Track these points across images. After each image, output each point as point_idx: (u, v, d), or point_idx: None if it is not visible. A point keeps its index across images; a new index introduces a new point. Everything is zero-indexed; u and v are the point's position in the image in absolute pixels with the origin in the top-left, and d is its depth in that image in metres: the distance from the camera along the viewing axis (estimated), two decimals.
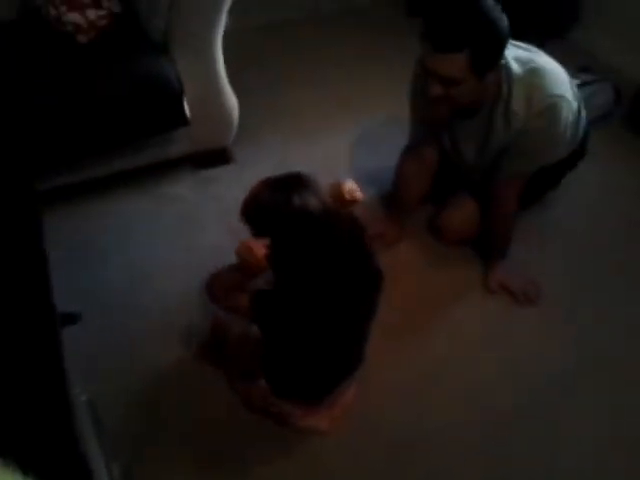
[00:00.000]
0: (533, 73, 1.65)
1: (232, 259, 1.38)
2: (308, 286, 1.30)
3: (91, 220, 2.08)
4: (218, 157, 2.27)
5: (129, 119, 1.94)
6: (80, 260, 1.95)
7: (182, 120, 2.00)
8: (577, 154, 1.96)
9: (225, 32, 2.03)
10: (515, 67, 1.64)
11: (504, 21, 1.54)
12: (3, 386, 1.06)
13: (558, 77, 1.70)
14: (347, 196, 1.40)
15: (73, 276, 1.88)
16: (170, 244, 2.02)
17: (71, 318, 1.70)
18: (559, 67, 1.74)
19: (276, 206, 1.26)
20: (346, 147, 2.39)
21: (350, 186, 1.41)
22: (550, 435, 1.61)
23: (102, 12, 1.97)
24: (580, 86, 2.47)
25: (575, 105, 1.76)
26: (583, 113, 1.87)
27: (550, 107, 1.65)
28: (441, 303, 1.92)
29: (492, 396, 1.69)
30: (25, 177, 1.51)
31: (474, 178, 1.96)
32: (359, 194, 1.42)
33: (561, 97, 1.67)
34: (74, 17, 1.93)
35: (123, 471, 1.24)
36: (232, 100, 2.16)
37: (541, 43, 2.38)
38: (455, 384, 1.71)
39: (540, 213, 2.14)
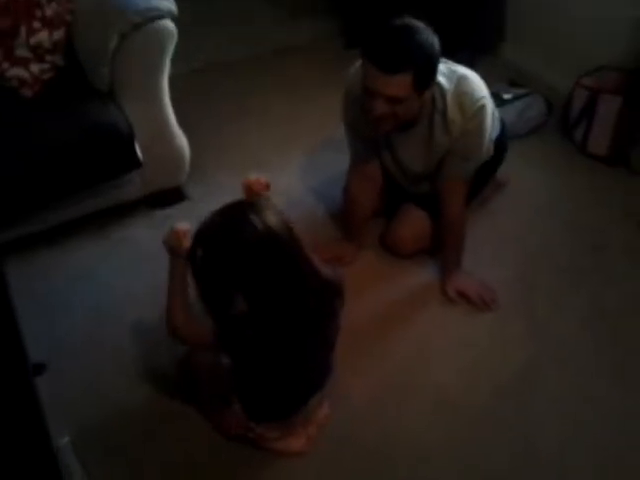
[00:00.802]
0: (459, 82, 1.81)
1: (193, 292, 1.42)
2: (275, 306, 1.34)
3: (51, 268, 2.08)
4: (172, 196, 2.31)
5: (82, 166, 1.97)
6: (42, 308, 1.94)
7: (134, 163, 2.04)
8: (501, 149, 2.10)
9: (169, 76, 2.10)
10: (443, 80, 1.80)
11: (437, 42, 1.70)
12: None
13: (478, 81, 1.87)
14: (256, 186, 1.46)
15: (36, 325, 1.87)
16: (132, 284, 2.04)
17: (37, 368, 1.69)
18: (473, 72, 1.89)
19: (238, 230, 1.29)
20: (294, 174, 2.47)
21: (255, 177, 1.48)
22: (521, 426, 1.68)
23: (46, 66, 2.01)
24: (514, 99, 2.63)
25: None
26: (496, 112, 2.02)
27: (479, 109, 1.82)
28: (402, 313, 1.98)
29: (460, 397, 1.74)
30: None
31: (422, 189, 2.06)
32: (264, 179, 1.48)
33: (485, 98, 1.84)
34: (18, 72, 1.96)
35: None
36: (182, 140, 2.21)
37: (471, 60, 2.53)
38: (423, 389, 1.76)
39: (486, 221, 2.24)
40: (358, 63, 1.83)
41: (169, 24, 1.98)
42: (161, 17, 1.96)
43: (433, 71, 1.72)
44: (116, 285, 2.04)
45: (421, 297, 2.03)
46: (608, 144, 2.48)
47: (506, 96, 2.64)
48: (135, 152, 2.03)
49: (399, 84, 1.64)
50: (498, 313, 1.97)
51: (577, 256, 2.16)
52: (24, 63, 1.97)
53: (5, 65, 1.95)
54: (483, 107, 1.83)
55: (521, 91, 2.70)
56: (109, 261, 2.12)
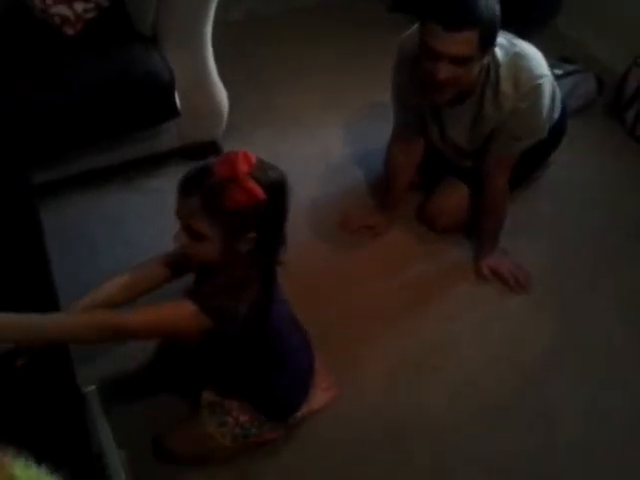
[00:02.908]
0: (517, 56, 1.71)
1: None
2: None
3: (81, 214, 2.07)
4: (207, 150, 2.27)
5: (119, 110, 1.93)
6: (71, 252, 1.94)
7: (173, 112, 1.99)
8: (558, 132, 2.01)
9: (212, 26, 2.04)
10: (498, 52, 1.71)
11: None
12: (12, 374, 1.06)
13: (539, 59, 1.76)
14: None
15: (63, 268, 1.87)
16: (158, 237, 2.01)
17: None
18: (536, 50, 1.79)
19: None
20: (335, 137, 2.40)
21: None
22: (544, 408, 1.67)
23: (90, 5, 1.95)
24: (563, 76, 2.53)
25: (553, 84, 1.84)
26: (558, 92, 1.93)
27: (536, 87, 1.71)
28: (431, 290, 1.95)
29: (484, 377, 1.72)
30: (21, 172, 1.51)
31: (465, 165, 1.99)
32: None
33: (545, 77, 1.74)
34: (61, 9, 1.91)
35: (128, 459, 1.24)
36: (222, 92, 2.15)
37: (526, 32, 2.43)
38: (445, 369, 1.74)
39: (525, 201, 2.18)
40: (413, 28, 1.74)
41: None
42: None
43: (496, 28, 1.60)
44: (143, 236, 2.02)
45: (452, 276, 1.99)
46: None
47: (557, 72, 2.54)
48: (174, 101, 1.98)
49: (465, 41, 1.54)
50: (530, 296, 1.93)
51: (614, 242, 2.10)
52: (68, 1, 1.92)
53: (49, 1, 1.90)
54: (539, 86, 1.72)
55: (572, 67, 2.60)
56: (139, 211, 2.10)
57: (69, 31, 1.93)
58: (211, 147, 2.27)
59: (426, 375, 1.72)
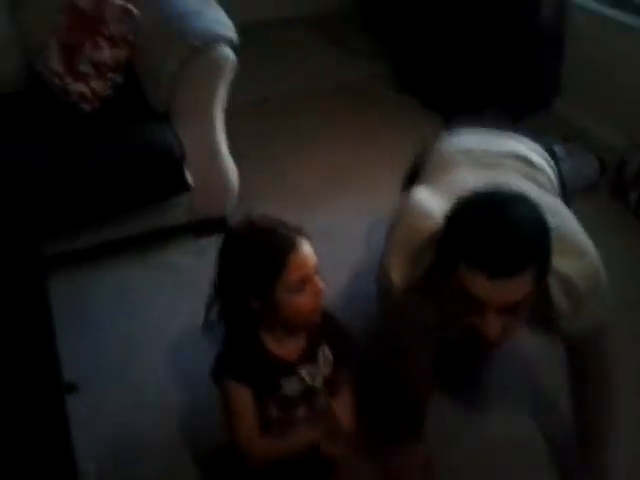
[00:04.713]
0: (557, 251, 1.16)
1: None
2: None
3: (88, 288, 2.05)
4: (216, 225, 2.27)
5: (131, 184, 1.95)
6: (75, 329, 1.89)
7: (183, 186, 2.02)
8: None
9: (226, 104, 2.09)
10: None
11: (540, 208, 1.16)
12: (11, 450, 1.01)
13: (574, 231, 1.32)
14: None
15: (68, 345, 1.82)
16: (166, 312, 1.99)
17: (70, 388, 1.65)
18: (567, 215, 1.36)
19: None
20: (343, 215, 2.41)
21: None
22: None
23: (106, 83, 2.02)
24: (565, 156, 2.58)
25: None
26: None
27: (593, 276, 1.26)
28: None
29: None
30: (30, 244, 1.50)
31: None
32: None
33: (591, 257, 1.28)
34: (79, 87, 1.97)
35: None
36: (232, 168, 2.18)
37: (526, 114, 2.48)
38: None
39: None
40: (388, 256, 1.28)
41: (228, 51, 2.00)
42: (220, 44, 1.98)
43: (550, 251, 1.14)
44: (149, 312, 1.98)
45: None
46: None
47: (558, 152, 2.59)
48: (184, 175, 2.01)
49: (518, 287, 1.10)
50: None
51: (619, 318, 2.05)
52: (86, 79, 1.98)
53: (68, 79, 1.96)
54: (595, 272, 1.26)
55: (574, 147, 2.65)
56: (146, 286, 2.08)
57: (86, 107, 1.98)
58: (220, 223, 2.27)
59: None
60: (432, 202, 1.27)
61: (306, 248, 1.23)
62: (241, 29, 2.05)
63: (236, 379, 1.25)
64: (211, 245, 2.22)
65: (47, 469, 1.05)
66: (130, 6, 2.03)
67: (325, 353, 1.31)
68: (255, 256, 1.22)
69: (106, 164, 1.89)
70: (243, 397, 1.25)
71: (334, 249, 2.27)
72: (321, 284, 1.23)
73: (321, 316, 1.27)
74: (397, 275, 1.24)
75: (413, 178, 1.57)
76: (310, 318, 1.25)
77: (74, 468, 1.11)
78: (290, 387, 1.27)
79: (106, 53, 2.01)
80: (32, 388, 1.15)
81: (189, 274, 2.11)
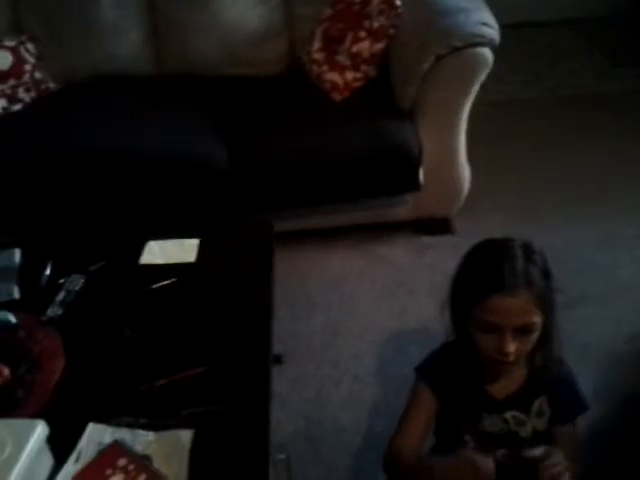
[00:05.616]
0: None
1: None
2: None
3: (307, 270, 2.14)
4: (438, 226, 2.24)
5: (365, 175, 2.00)
6: (287, 304, 2.00)
7: (414, 185, 2.02)
8: None
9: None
10: None
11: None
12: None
13: None
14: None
15: (280, 320, 1.94)
16: (377, 306, 2.01)
17: (277, 358, 1.76)
18: None
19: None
20: (583, 245, 2.20)
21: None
22: None
23: (359, 74, 2.08)
24: None
25: None
26: None
27: None
28: None
29: None
30: (265, 218, 1.62)
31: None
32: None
33: None
34: (333, 76, 2.06)
35: None
36: (465, 171, 2.13)
37: None
38: None
39: None
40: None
41: (487, 52, 1.92)
42: (482, 44, 1.90)
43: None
44: (360, 302, 2.02)
45: None
46: None
47: None
48: (418, 175, 2.01)
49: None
50: None
51: None
52: (341, 69, 2.06)
53: (324, 68, 2.06)
54: None
55: None
56: (361, 276, 2.12)
57: (336, 97, 2.07)
58: (443, 224, 2.24)
59: None
60: None
61: (513, 303, 1.11)
62: (502, 29, 1.96)
63: (432, 387, 1.22)
64: (431, 245, 2.22)
65: (245, 432, 1.12)
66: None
67: (542, 406, 1.21)
68: (469, 272, 1.17)
69: (346, 153, 1.95)
70: (427, 405, 1.21)
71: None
72: (510, 347, 1.12)
73: (546, 369, 1.18)
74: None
75: None
76: (490, 361, 1.16)
77: (267, 437, 1.17)
78: (490, 424, 1.20)
79: (365, 46, 2.06)
80: (245, 357, 1.23)
81: (404, 271, 2.12)
